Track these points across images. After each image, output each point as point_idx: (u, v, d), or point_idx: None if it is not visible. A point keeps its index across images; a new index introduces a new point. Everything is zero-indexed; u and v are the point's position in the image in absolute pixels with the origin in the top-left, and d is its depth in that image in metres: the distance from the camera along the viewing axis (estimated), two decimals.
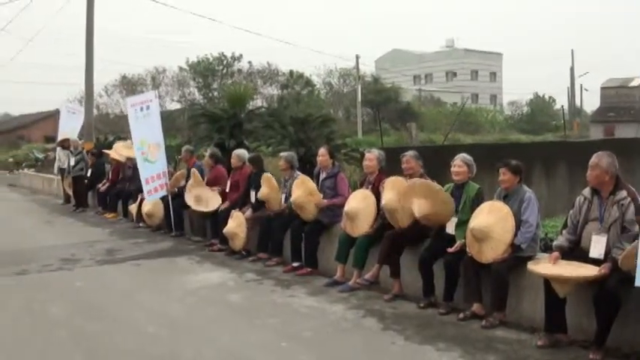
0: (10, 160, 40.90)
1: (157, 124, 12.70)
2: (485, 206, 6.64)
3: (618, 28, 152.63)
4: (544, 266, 5.81)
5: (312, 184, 8.95)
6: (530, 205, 6.46)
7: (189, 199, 11.36)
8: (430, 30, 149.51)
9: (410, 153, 7.90)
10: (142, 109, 12.92)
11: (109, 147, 18.48)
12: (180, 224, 12.20)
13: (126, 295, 8.05)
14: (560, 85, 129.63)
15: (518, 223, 6.39)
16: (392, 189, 7.61)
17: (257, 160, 10.60)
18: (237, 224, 9.91)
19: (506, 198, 6.64)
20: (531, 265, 5.87)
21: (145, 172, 12.62)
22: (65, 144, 18.62)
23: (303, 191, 8.88)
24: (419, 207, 7.12)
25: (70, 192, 17.84)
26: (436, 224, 7.22)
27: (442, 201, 7.06)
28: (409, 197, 7.30)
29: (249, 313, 7.05)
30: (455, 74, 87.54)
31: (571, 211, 6.11)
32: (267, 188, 9.65)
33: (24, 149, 45.50)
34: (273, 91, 57.65)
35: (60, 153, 19.05)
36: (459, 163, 7.13)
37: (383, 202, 7.62)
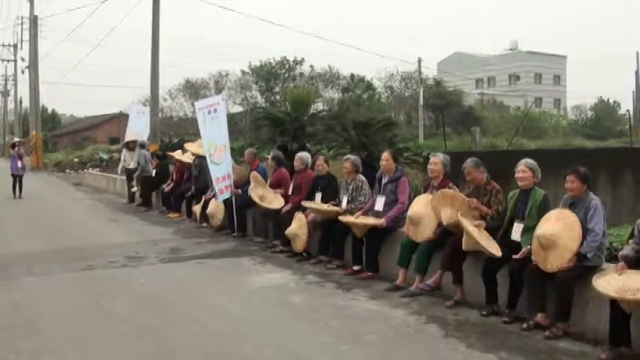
0: (76, 160, 41.83)
1: (224, 126, 12.92)
2: (553, 214, 6.54)
3: None
4: (609, 280, 5.67)
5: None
6: (596, 213, 6.32)
7: (254, 196, 11.51)
8: (493, 32, 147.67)
9: (469, 163, 7.72)
10: (209, 112, 13.17)
11: (173, 149, 18.83)
12: (243, 225, 12.32)
13: (189, 293, 8.19)
14: (627, 89, 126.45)
15: (585, 231, 6.28)
16: (445, 204, 7.56)
17: (327, 162, 10.67)
18: (298, 226, 9.99)
19: (572, 205, 6.52)
20: (596, 281, 5.73)
21: (214, 174, 12.91)
22: (130, 145, 19.04)
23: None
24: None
25: (136, 191, 18.22)
26: None
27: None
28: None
29: (310, 315, 7.09)
30: (518, 77, 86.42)
31: (638, 220, 5.99)
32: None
33: (89, 150, 46.57)
34: (334, 94, 57.84)
35: (125, 153, 19.47)
36: (523, 169, 7.03)
37: (444, 221, 7.53)
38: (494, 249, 6.90)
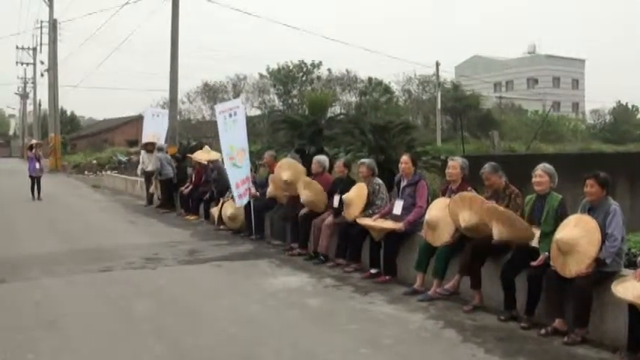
0: (94, 162, 42.08)
1: (243, 130, 12.97)
2: (572, 219, 6.50)
3: None
4: (628, 286, 5.63)
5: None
6: (615, 218, 6.28)
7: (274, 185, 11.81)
8: (511, 35, 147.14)
9: (487, 168, 7.69)
10: (230, 115, 13.23)
11: (192, 151, 18.89)
12: (261, 228, 12.36)
13: (207, 294, 8.23)
14: None
15: (603, 236, 6.24)
16: (463, 207, 7.53)
17: (347, 165, 10.69)
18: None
19: (591, 210, 6.50)
20: (615, 287, 5.71)
21: (233, 177, 12.94)
22: (149, 147, 19.12)
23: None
24: (499, 232, 7.06)
25: (158, 193, 18.30)
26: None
27: (520, 229, 6.99)
28: (489, 219, 7.24)
29: (328, 318, 7.11)
30: (536, 81, 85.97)
31: None
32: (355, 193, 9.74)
33: (107, 152, 46.83)
34: (352, 98, 57.82)
35: (144, 155, 19.55)
36: (540, 173, 7.00)
37: (462, 224, 7.50)
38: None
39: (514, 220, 7.03)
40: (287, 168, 11.40)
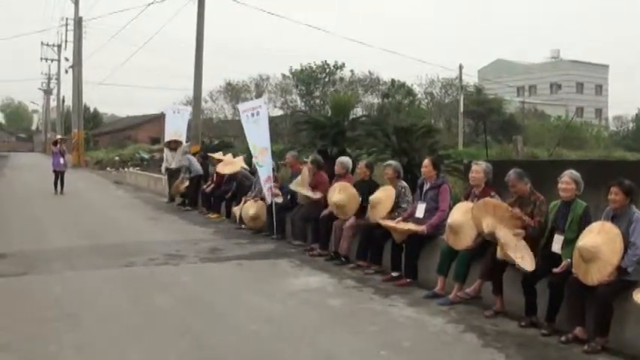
0: (117, 158, 42.40)
1: (265, 129, 13.07)
2: (596, 226, 6.46)
3: None
4: None
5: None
6: (638, 227, 6.23)
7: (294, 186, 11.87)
8: (535, 40, 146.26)
9: (512, 175, 7.62)
10: (252, 114, 13.33)
11: (214, 150, 18.96)
12: (282, 228, 12.41)
13: (229, 292, 8.29)
14: None
15: (626, 245, 6.21)
16: (487, 213, 7.47)
17: (370, 167, 10.70)
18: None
19: (614, 218, 6.45)
20: (637, 296, 5.68)
21: (261, 176, 13.11)
22: (172, 145, 19.18)
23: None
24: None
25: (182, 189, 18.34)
26: None
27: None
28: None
29: (348, 319, 7.13)
30: (559, 86, 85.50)
31: None
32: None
33: (130, 149, 47.17)
34: (374, 99, 57.79)
35: (167, 153, 19.62)
36: (567, 180, 6.94)
37: (485, 230, 7.42)
38: (528, 264, 6.85)
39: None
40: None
